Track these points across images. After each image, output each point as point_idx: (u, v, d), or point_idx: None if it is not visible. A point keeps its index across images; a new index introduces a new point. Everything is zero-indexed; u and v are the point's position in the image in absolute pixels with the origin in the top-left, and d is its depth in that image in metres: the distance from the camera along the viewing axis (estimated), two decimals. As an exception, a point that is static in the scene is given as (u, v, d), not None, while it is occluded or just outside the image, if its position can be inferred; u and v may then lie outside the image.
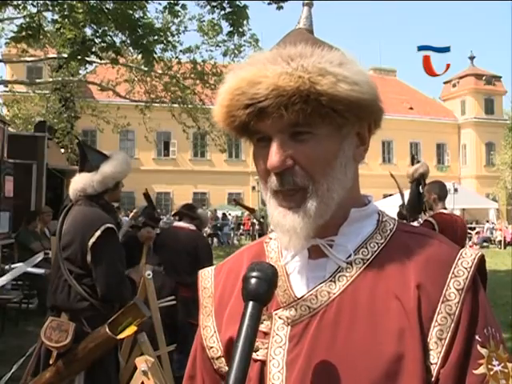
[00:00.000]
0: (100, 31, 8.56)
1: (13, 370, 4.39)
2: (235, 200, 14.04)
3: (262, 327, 0.88)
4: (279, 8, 8.79)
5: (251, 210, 4.57)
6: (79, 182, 2.88)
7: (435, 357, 0.80)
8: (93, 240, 2.68)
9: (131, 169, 3.08)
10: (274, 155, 0.82)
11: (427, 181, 5.37)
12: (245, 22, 9.16)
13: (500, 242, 24.98)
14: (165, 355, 3.59)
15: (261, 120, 0.82)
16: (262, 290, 0.77)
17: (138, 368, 2.42)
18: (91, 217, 2.78)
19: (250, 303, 0.76)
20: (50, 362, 2.59)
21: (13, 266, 7.11)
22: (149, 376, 2.39)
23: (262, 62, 0.84)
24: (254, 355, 0.87)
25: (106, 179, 2.86)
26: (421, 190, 5.36)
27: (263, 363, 0.87)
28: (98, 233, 2.69)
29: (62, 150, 15.28)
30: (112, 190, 2.94)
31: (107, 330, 2.45)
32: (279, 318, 0.88)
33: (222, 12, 8.86)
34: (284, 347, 0.86)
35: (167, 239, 4.96)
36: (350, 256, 0.88)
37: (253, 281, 0.77)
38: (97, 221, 2.75)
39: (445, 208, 5.03)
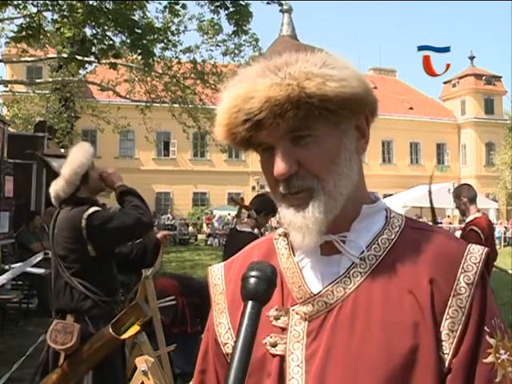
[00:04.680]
0: (100, 34, 8.55)
1: (12, 370, 4.40)
2: (232, 199, 13.98)
3: (280, 323, 0.91)
4: (282, 11, 8.77)
5: (248, 208, 4.54)
6: (53, 191, 2.91)
7: (447, 347, 0.84)
8: (84, 222, 2.71)
9: (91, 155, 2.98)
10: (280, 163, 0.85)
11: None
12: (249, 20, 9.15)
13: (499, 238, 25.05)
14: (165, 355, 3.59)
15: (260, 132, 0.85)
16: (261, 289, 0.77)
17: (138, 368, 2.43)
18: (74, 213, 2.80)
19: (249, 302, 0.77)
20: (59, 364, 2.59)
21: (13, 266, 7.12)
22: (149, 376, 2.40)
23: (251, 77, 0.87)
24: (273, 350, 0.90)
25: (70, 179, 2.85)
26: None
27: (282, 358, 0.89)
28: (86, 214, 2.73)
29: (62, 150, 15.26)
30: (84, 184, 2.90)
31: (111, 330, 2.46)
32: (296, 313, 0.91)
33: (226, 12, 8.85)
34: (302, 342, 0.89)
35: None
36: (362, 252, 0.91)
37: (252, 280, 0.78)
38: (79, 213, 2.77)
39: (478, 210, 5.02)
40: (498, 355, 0.83)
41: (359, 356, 0.84)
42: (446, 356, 0.83)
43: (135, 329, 2.51)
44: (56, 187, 2.89)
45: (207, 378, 1.03)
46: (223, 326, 1.00)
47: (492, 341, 0.84)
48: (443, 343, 0.83)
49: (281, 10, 8.66)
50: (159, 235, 3.56)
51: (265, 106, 0.82)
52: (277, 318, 0.91)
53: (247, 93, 0.85)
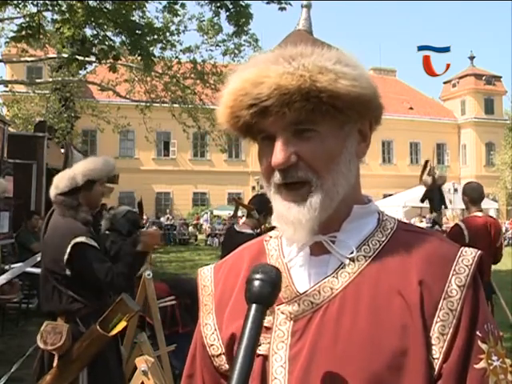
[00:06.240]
0: (100, 34, 8.55)
1: (12, 370, 4.39)
2: (234, 199, 13.96)
3: (264, 322, 0.89)
4: (282, 9, 8.77)
5: (250, 209, 4.53)
6: (55, 179, 2.89)
7: (437, 352, 0.81)
8: (66, 257, 2.69)
9: (109, 170, 2.97)
10: (279, 152, 0.84)
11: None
12: (249, 21, 9.16)
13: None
14: (165, 355, 3.59)
15: (264, 119, 0.84)
16: (265, 292, 0.77)
17: (138, 368, 2.43)
18: (62, 232, 2.77)
19: (253, 305, 0.76)
20: (54, 365, 2.60)
21: (13, 266, 7.11)
22: (149, 376, 2.40)
23: (264, 63, 0.85)
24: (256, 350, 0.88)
25: (76, 175, 2.83)
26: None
27: (265, 358, 0.88)
28: (68, 249, 2.69)
29: (62, 150, 15.28)
30: (85, 191, 2.86)
31: (98, 327, 2.47)
32: (281, 312, 0.89)
33: (227, 13, 8.85)
34: (286, 342, 0.87)
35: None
36: (352, 252, 0.89)
37: (256, 283, 0.77)
38: (67, 236, 2.73)
39: (480, 210, 4.92)
40: (490, 361, 0.81)
41: (344, 357, 0.82)
42: (435, 360, 0.81)
43: (122, 325, 2.52)
44: (60, 176, 2.88)
45: (194, 383, 1.02)
46: (209, 327, 0.99)
47: (484, 346, 0.82)
48: (433, 347, 0.81)
49: (280, 8, 8.69)
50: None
51: (274, 93, 0.81)
52: None
53: (257, 77, 0.83)
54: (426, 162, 6.03)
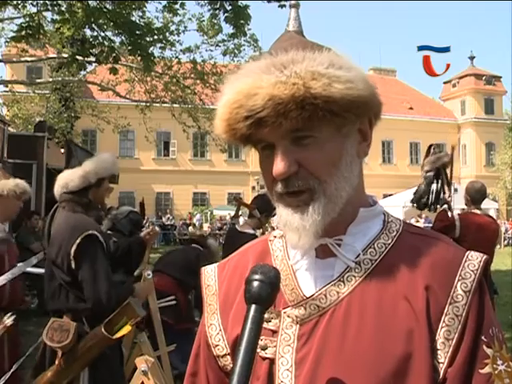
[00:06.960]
0: (100, 36, 8.54)
1: (12, 370, 4.39)
2: (236, 199, 13.87)
3: (271, 325, 0.89)
4: (282, 6, 8.75)
5: (251, 208, 4.53)
6: (63, 178, 2.89)
7: (442, 356, 0.81)
8: (74, 248, 2.67)
9: (116, 168, 3.07)
10: (279, 163, 0.83)
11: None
12: (248, 22, 9.14)
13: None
14: (165, 355, 3.59)
15: (261, 130, 0.83)
16: (264, 293, 0.77)
17: (138, 368, 2.42)
18: (73, 224, 2.77)
19: (253, 306, 0.77)
20: (56, 363, 2.60)
21: (13, 265, 7.11)
22: (149, 376, 2.40)
23: (256, 73, 0.84)
24: (263, 353, 0.88)
25: (88, 174, 2.86)
26: (437, 183, 5.18)
27: (272, 361, 0.88)
28: (78, 240, 2.67)
29: (62, 150, 15.28)
30: (95, 188, 2.91)
31: (103, 330, 2.47)
32: (288, 316, 0.89)
33: (225, 14, 8.84)
34: (293, 345, 0.87)
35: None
36: (358, 256, 0.89)
37: (255, 284, 0.78)
38: (78, 228, 2.73)
39: (478, 209, 4.92)
40: (495, 366, 0.81)
41: (351, 361, 0.82)
42: (440, 365, 0.81)
43: (127, 329, 2.51)
44: (70, 176, 2.88)
45: (198, 381, 1.02)
46: (214, 328, 0.98)
47: (489, 351, 0.82)
48: (438, 352, 0.81)
49: (280, 6, 8.68)
50: (143, 234, 3.57)
51: (268, 103, 0.80)
52: (268, 321, 0.89)
53: (250, 89, 0.82)
54: (430, 146, 5.68)
